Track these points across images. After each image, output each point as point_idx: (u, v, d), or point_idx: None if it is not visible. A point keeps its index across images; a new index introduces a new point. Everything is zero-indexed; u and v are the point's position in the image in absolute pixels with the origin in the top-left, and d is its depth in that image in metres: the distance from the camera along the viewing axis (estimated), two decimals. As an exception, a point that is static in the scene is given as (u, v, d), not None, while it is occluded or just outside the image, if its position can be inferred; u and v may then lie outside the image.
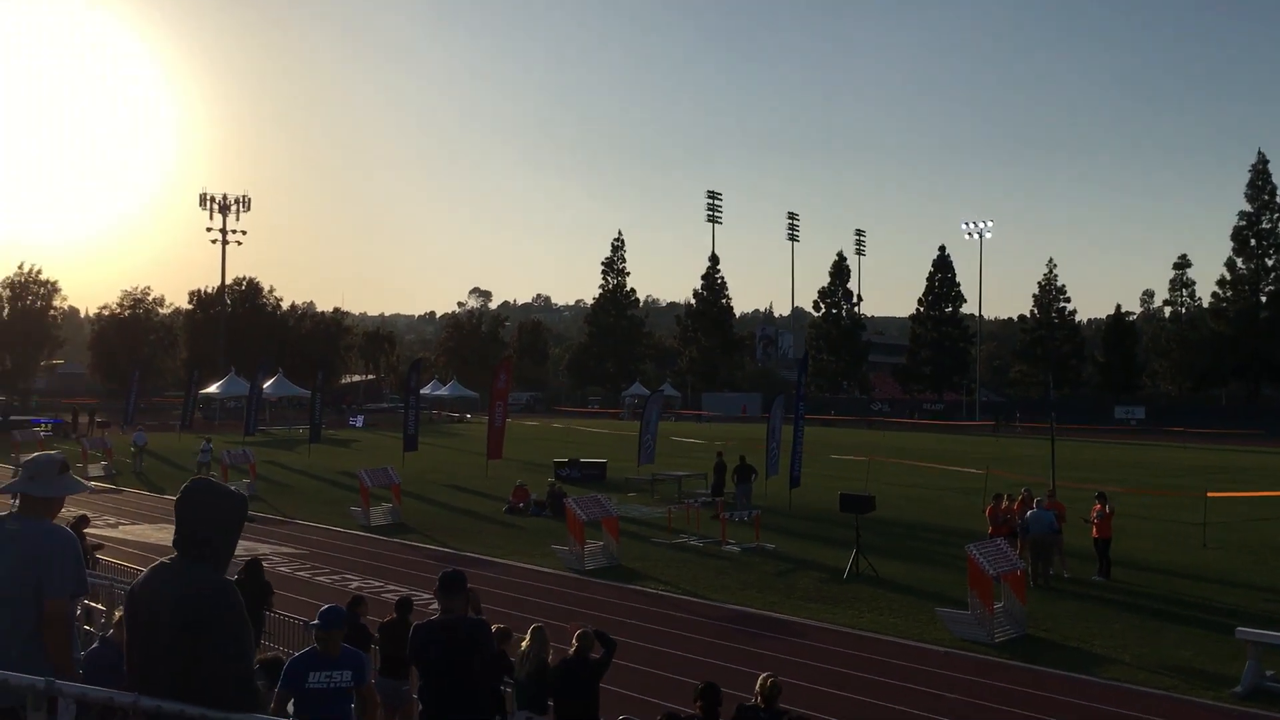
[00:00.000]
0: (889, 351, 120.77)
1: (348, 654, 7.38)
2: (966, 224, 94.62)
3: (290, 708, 6.95)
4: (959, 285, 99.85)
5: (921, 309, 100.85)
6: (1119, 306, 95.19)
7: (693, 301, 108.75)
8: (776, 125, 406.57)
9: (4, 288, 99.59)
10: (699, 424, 76.63)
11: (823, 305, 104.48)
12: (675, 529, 26.80)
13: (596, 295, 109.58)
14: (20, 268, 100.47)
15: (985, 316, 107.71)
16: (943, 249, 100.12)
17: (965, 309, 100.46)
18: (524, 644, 9.57)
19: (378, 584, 20.32)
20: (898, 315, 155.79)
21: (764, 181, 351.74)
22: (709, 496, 30.75)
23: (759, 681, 9.32)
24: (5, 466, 42.60)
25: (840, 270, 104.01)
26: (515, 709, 9.43)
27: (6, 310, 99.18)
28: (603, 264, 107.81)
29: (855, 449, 49.92)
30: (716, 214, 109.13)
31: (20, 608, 4.27)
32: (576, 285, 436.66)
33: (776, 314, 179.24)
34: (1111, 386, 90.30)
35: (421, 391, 54.52)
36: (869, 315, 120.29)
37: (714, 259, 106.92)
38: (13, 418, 64.06)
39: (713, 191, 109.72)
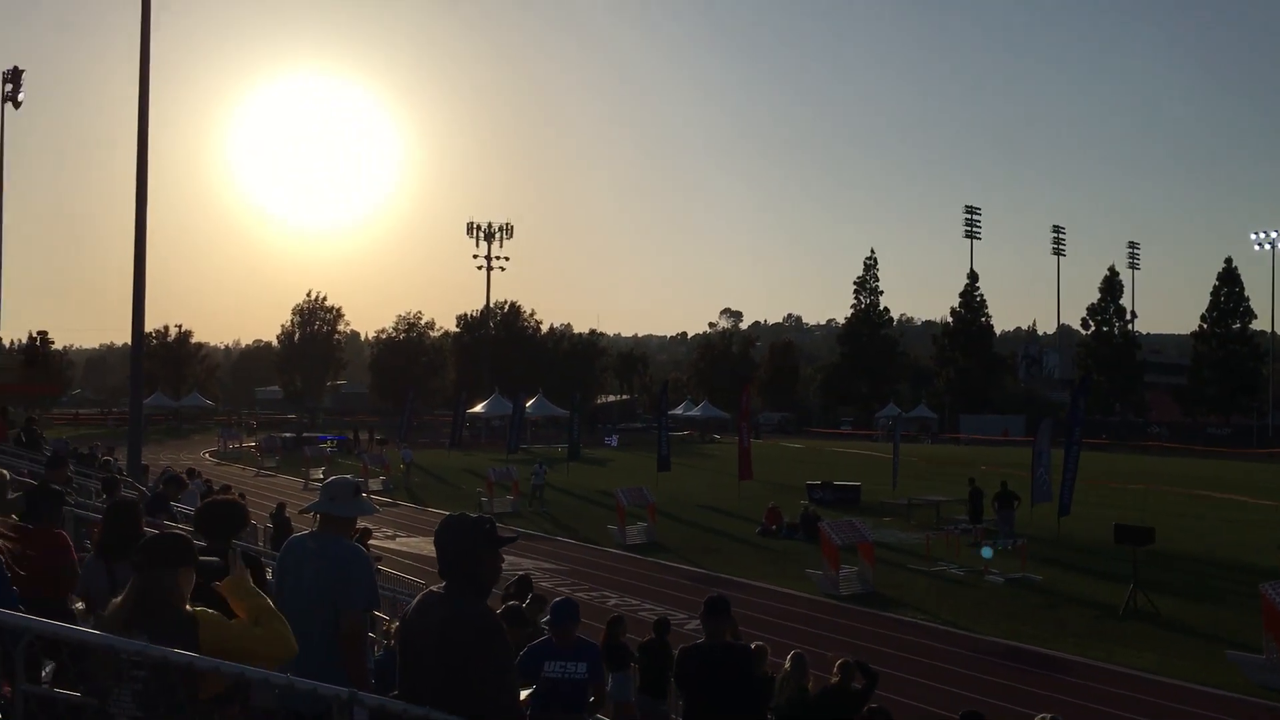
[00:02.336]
0: (1167, 371, 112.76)
1: (582, 646, 7.47)
2: (1256, 234, 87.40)
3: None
4: (1248, 300, 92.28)
5: (1205, 325, 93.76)
6: None
7: (950, 320, 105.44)
8: (1039, 135, 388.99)
9: (295, 314, 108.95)
10: (957, 446, 74.08)
11: (1092, 322, 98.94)
12: (933, 556, 26.01)
13: (849, 314, 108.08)
14: (309, 295, 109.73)
15: (1279, 334, 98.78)
16: (1229, 261, 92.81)
17: (1255, 325, 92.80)
18: (784, 670, 9.53)
19: (634, 602, 20.76)
20: (1176, 332, 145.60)
21: (1026, 194, 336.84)
22: (968, 523, 29.67)
23: None
24: (296, 480, 46.41)
25: (1112, 285, 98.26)
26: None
27: (297, 335, 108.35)
28: (855, 283, 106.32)
29: (1130, 476, 46.92)
30: (975, 229, 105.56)
31: (320, 620, 4.65)
32: (828, 304, 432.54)
33: (1040, 332, 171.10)
34: None
35: (673, 412, 55.37)
36: (1144, 332, 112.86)
37: (973, 275, 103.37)
38: (303, 435, 69.76)
39: (971, 206, 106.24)
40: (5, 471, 7.08)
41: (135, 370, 28.11)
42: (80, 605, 6.44)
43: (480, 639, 3.80)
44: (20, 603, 4.41)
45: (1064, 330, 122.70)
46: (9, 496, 6.77)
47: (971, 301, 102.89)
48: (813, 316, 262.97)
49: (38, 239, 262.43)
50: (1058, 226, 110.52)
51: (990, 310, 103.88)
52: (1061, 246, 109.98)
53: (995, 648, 17.55)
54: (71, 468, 14.99)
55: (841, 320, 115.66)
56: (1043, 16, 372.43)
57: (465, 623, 3.79)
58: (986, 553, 24.14)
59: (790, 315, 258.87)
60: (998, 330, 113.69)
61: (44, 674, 6.31)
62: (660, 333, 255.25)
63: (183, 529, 9.13)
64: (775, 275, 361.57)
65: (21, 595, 4.70)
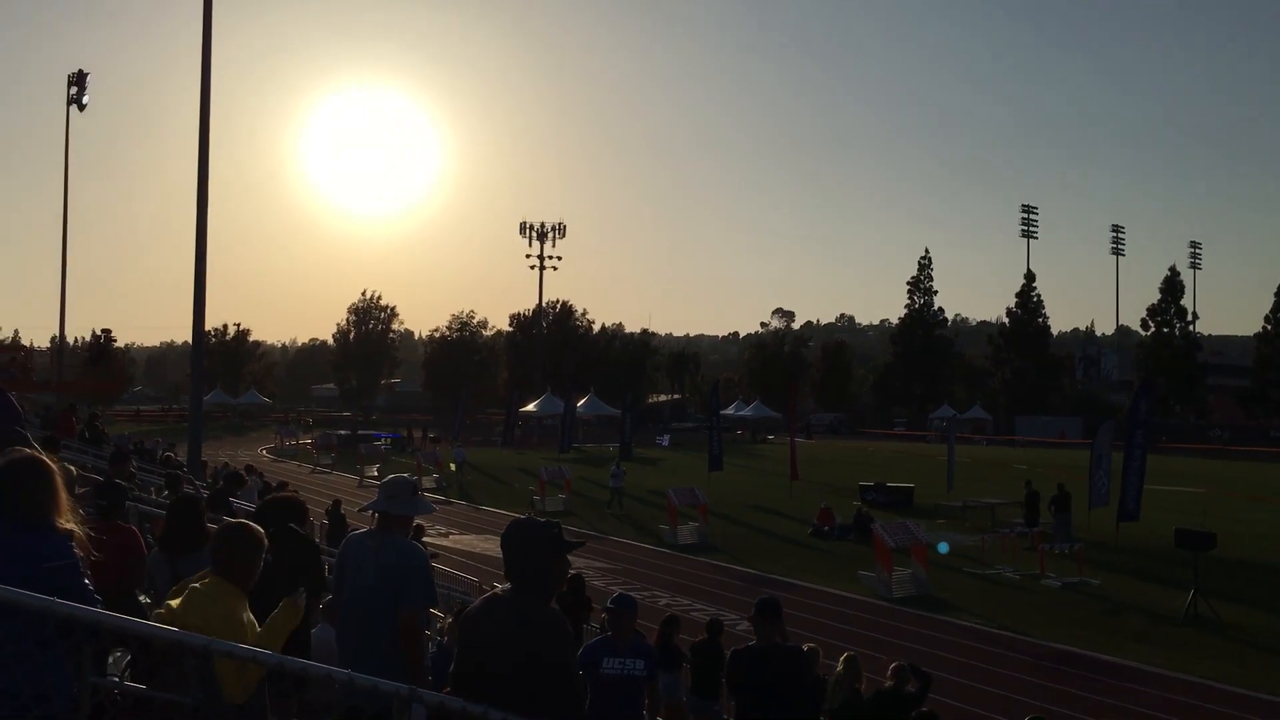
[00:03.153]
0: (1230, 373, 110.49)
1: (639, 644, 7.50)
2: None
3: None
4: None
5: (1268, 327, 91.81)
6: None
7: (1005, 320, 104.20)
8: (1098, 132, 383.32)
9: (350, 313, 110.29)
10: (1012, 449, 73.16)
11: (1152, 323, 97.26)
12: (989, 560, 25.72)
13: (902, 314, 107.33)
14: (364, 294, 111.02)
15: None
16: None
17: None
18: (837, 672, 9.49)
19: (686, 602, 20.76)
20: (1239, 334, 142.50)
21: (1085, 192, 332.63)
22: (1024, 527, 29.30)
23: None
24: (351, 477, 46.95)
25: (1173, 285, 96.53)
26: (828, 737, 9.35)
27: (352, 334, 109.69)
28: (909, 283, 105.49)
29: (1192, 480, 46.05)
30: (1032, 228, 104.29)
31: (379, 617, 4.72)
32: (881, 304, 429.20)
33: (1099, 333, 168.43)
34: None
35: (725, 412, 55.27)
36: (1206, 334, 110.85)
37: (1029, 275, 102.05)
38: (358, 432, 70.57)
39: (1027, 205, 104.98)
40: (72, 467, 7.24)
41: (195, 368, 28.63)
42: (145, 600, 6.59)
43: (548, 642, 3.84)
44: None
45: (1123, 331, 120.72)
46: (75, 492, 6.93)
47: (1028, 301, 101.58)
48: (866, 316, 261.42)
49: (102, 239, 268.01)
50: (1117, 225, 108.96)
51: (1047, 310, 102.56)
52: (1121, 246, 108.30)
53: (1052, 653, 17.32)
54: (134, 464, 15.29)
55: (895, 320, 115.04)
56: (1101, 11, 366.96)
57: (534, 625, 3.83)
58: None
59: (843, 315, 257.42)
60: (1054, 331, 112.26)
61: (111, 665, 6.47)
62: (712, 333, 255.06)
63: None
64: (828, 275, 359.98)
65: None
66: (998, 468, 51.45)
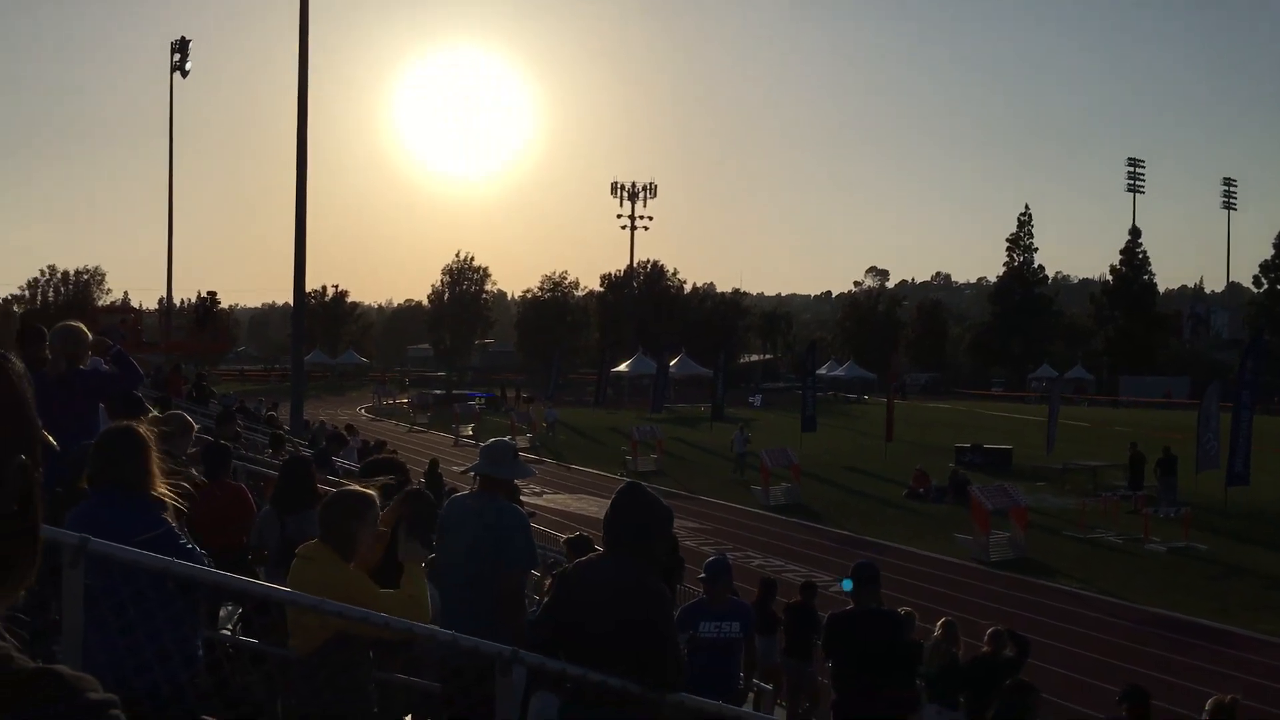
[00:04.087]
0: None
1: (735, 605, 7.53)
2: None
3: None
4: None
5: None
6: None
7: (1109, 278, 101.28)
8: (1208, 82, 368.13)
9: (444, 274, 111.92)
10: (1115, 409, 71.36)
11: (1265, 280, 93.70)
12: (1090, 523, 25.22)
13: (1001, 272, 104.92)
14: (457, 255, 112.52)
15: None
16: None
17: None
18: (934, 636, 9.42)
19: (778, 563, 20.78)
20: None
21: (1194, 145, 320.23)
22: (1127, 490, 28.63)
23: (1212, 703, 7.60)
24: (446, 436, 47.80)
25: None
26: (924, 702, 9.31)
27: (446, 294, 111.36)
28: (1008, 240, 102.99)
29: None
30: (1138, 182, 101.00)
31: (480, 579, 4.82)
32: (979, 262, 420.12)
33: (1208, 290, 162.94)
34: None
35: (818, 372, 54.86)
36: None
37: (1135, 231, 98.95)
38: (453, 392, 71.72)
39: (1134, 158, 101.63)
40: (191, 420, 7.47)
41: (296, 329, 29.40)
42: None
43: (649, 607, 3.92)
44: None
45: (1233, 288, 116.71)
46: (189, 450, 7.17)
47: (1133, 258, 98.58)
48: (963, 275, 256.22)
49: (206, 203, 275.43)
50: (1228, 179, 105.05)
51: (1153, 267, 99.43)
52: (1232, 200, 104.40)
53: (1155, 619, 16.97)
54: (239, 423, 15.76)
55: (993, 278, 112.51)
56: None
57: (634, 590, 3.89)
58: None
59: (939, 273, 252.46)
60: (1161, 288, 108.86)
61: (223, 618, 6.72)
62: (804, 292, 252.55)
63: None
64: (923, 232, 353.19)
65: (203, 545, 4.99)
66: (1100, 429, 50.24)
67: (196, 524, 5.47)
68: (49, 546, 3.18)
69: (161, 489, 3.90)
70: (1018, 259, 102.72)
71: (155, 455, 3.97)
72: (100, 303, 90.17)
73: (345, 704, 3.69)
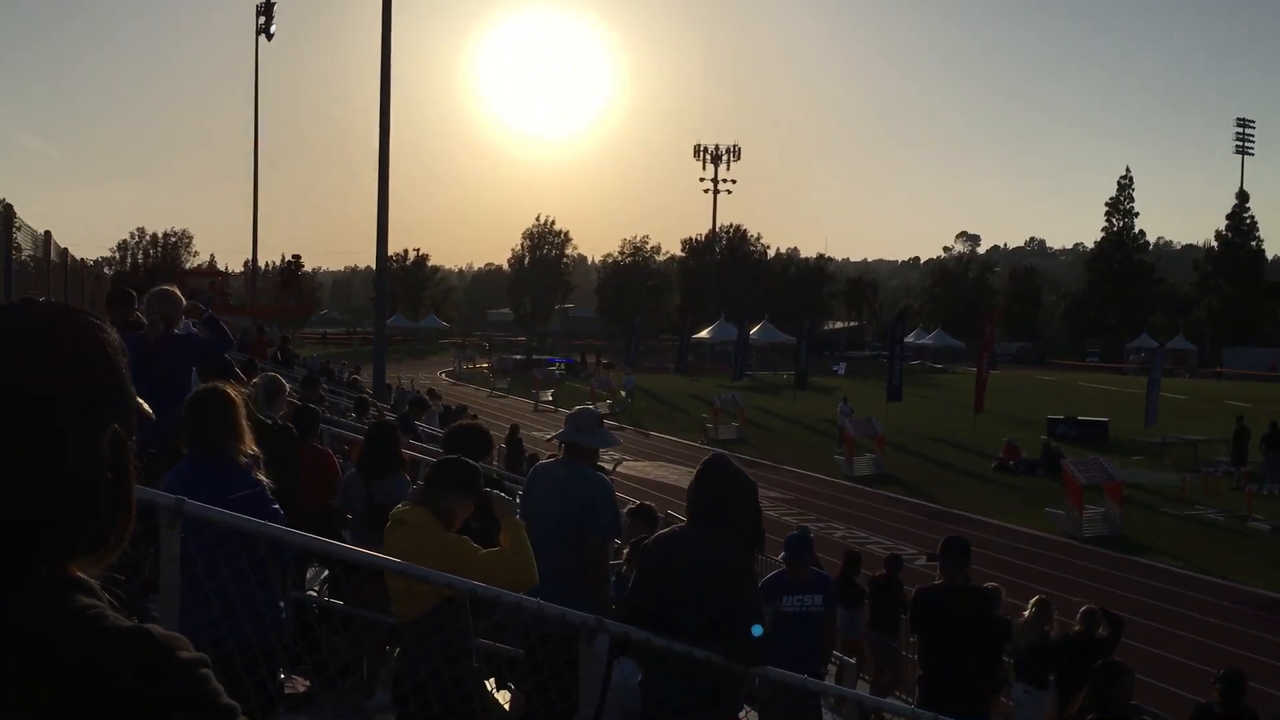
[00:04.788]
0: None
1: (816, 577, 7.53)
2: None
3: None
4: None
5: None
6: None
7: (1214, 244, 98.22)
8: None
9: (525, 238, 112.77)
10: (1218, 381, 69.33)
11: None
12: (1189, 499, 24.60)
13: (1098, 238, 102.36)
14: (538, 219, 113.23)
15: None
16: None
17: None
18: (1026, 614, 9.29)
19: (862, 535, 20.67)
20: None
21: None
22: (1230, 465, 27.87)
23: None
24: (526, 401, 48.23)
25: None
26: (1012, 680, 9.21)
27: (527, 258, 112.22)
28: (1106, 204, 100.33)
29: None
30: (1247, 144, 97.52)
31: (565, 546, 4.87)
32: (1074, 227, 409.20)
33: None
34: None
35: (905, 340, 54.19)
36: None
37: (1242, 195, 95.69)
38: (533, 357, 72.36)
39: (1243, 119, 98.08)
40: (282, 380, 7.63)
41: (379, 293, 29.82)
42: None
43: (732, 580, 3.94)
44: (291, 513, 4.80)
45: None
46: (284, 403, 7.34)
47: (1240, 223, 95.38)
48: (1058, 240, 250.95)
49: (290, 167, 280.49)
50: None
51: (1261, 233, 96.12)
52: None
53: (1257, 599, 16.54)
54: (324, 386, 16.09)
55: (1090, 244, 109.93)
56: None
57: (718, 564, 3.90)
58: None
59: (1033, 239, 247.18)
60: (1269, 255, 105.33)
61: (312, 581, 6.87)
62: (891, 257, 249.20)
63: (429, 451, 9.67)
64: (1016, 196, 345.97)
65: (293, 506, 5.10)
66: (1202, 402, 48.88)
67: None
68: (145, 509, 3.28)
69: (252, 448, 3.99)
70: (1117, 224, 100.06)
71: (244, 416, 4.06)
72: (188, 265, 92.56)
73: (458, 667, 3.74)
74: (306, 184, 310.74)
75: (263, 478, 4.00)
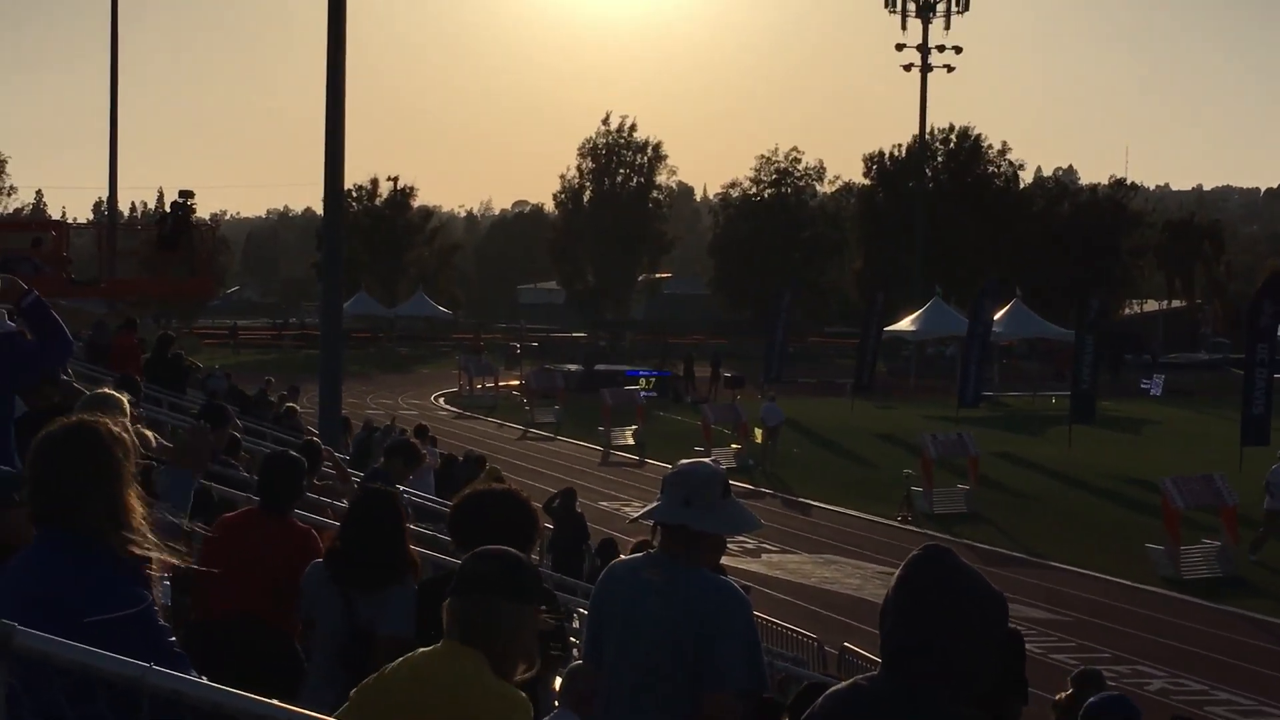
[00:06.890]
0: None
1: None
2: None
3: None
4: None
5: None
6: None
7: None
8: None
9: (584, 155, 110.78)
10: None
11: None
12: None
13: None
14: (605, 122, 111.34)
15: None
16: None
17: None
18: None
19: (1197, 687, 20.53)
20: None
21: None
22: None
23: None
24: (590, 446, 48.25)
25: None
26: None
27: (589, 191, 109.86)
28: None
29: None
30: None
31: (663, 689, 4.91)
32: None
33: None
34: None
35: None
36: None
37: None
38: (598, 367, 69.30)
39: None
40: (149, 432, 7.76)
41: (331, 257, 29.92)
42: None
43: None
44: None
45: None
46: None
47: None
48: None
49: (173, 46, 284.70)
50: None
51: None
52: None
53: None
54: (238, 424, 16.17)
55: None
56: None
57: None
58: None
59: None
60: None
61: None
62: (1240, 184, 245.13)
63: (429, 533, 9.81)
64: None
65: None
66: None
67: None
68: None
69: (149, 537, 3.99)
70: None
71: (130, 472, 4.03)
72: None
73: None
74: (201, 70, 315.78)
75: (152, 588, 4.02)
